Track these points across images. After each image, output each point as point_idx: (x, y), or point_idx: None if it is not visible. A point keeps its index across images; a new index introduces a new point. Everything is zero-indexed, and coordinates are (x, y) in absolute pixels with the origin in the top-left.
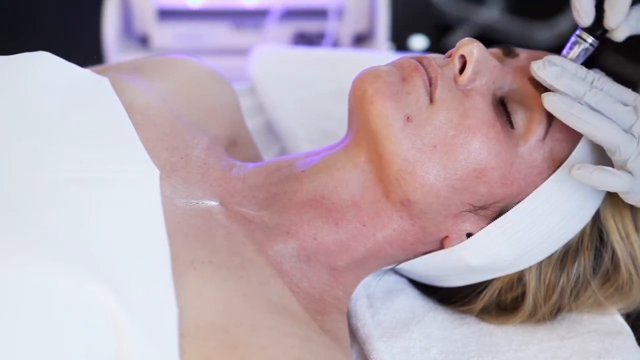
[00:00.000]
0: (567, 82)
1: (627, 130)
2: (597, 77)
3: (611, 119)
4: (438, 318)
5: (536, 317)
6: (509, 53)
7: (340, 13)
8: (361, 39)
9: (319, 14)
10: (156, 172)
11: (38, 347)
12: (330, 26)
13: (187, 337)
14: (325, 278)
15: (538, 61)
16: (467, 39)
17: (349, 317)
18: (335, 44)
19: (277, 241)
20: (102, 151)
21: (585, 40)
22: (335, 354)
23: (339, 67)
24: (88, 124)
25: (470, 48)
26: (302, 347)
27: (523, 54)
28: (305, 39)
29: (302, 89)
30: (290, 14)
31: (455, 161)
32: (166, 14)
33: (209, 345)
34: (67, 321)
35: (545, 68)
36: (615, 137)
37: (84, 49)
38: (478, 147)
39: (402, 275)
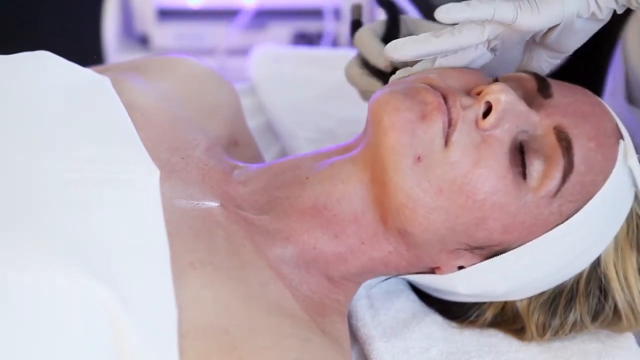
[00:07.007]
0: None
1: None
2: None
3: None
4: (438, 318)
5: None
6: (543, 90)
7: (339, 13)
8: None
9: (319, 14)
10: (156, 173)
11: (38, 347)
12: (329, 26)
13: (186, 338)
14: (324, 284)
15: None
16: (497, 84)
17: (349, 317)
18: (335, 43)
19: (277, 245)
20: (102, 151)
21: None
22: (334, 355)
23: (339, 67)
24: (88, 124)
25: (497, 96)
26: (301, 349)
27: (557, 95)
28: (305, 39)
29: (302, 89)
30: (291, 14)
31: (458, 207)
32: (166, 14)
33: (209, 345)
34: (67, 321)
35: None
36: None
37: (84, 49)
38: (483, 198)
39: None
